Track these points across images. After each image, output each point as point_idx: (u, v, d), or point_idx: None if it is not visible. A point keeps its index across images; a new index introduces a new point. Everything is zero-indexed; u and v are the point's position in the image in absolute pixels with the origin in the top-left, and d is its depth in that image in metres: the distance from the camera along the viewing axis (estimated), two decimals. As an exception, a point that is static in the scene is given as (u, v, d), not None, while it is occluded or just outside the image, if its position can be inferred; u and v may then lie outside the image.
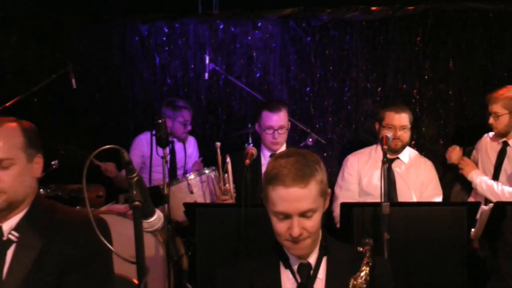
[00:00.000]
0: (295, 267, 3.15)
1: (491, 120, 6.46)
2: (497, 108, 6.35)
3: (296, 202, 2.98)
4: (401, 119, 6.36)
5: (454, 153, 6.83)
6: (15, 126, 3.29)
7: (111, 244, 3.06)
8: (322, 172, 3.09)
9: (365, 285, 2.97)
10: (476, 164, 6.78)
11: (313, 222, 3.04)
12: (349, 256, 3.21)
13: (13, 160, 3.20)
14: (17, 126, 3.30)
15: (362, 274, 2.96)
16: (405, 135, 6.41)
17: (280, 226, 3.03)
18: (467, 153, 7.04)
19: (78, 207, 6.81)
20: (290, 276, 3.15)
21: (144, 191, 2.76)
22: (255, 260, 3.30)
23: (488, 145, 6.72)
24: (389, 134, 6.13)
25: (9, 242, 3.21)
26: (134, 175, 2.73)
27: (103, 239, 2.73)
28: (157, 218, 2.87)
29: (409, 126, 6.43)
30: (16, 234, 3.23)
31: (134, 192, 2.71)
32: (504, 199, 5.98)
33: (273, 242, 3.22)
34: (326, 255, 3.18)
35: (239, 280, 3.22)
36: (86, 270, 3.25)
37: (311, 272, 3.04)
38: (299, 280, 3.12)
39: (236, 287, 3.21)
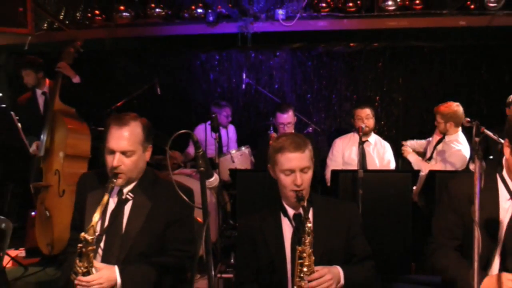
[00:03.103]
0: (291, 216, 3.14)
1: (436, 123, 6.41)
2: (438, 117, 6.33)
3: (298, 161, 3.01)
4: (366, 112, 6.38)
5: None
6: (138, 124, 3.18)
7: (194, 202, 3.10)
8: (310, 145, 3.12)
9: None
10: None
11: (309, 176, 3.07)
12: (329, 205, 3.22)
13: (134, 152, 3.14)
14: (140, 124, 3.19)
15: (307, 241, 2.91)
16: (370, 122, 6.40)
17: (287, 180, 3.03)
18: None
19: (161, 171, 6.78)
20: (288, 222, 3.14)
21: (206, 160, 2.76)
22: (264, 211, 3.27)
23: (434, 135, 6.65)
24: (363, 125, 6.19)
25: (127, 200, 3.21)
26: (200, 150, 2.72)
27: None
28: (214, 179, 2.91)
29: (371, 115, 6.42)
30: (131, 195, 3.22)
31: (200, 161, 2.70)
32: (425, 170, 6.07)
33: (276, 199, 3.22)
34: (312, 207, 3.15)
35: (252, 226, 3.21)
36: (182, 222, 3.26)
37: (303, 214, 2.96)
38: (294, 225, 3.11)
39: (251, 231, 3.20)
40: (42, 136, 5.96)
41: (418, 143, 6.89)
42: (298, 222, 3.07)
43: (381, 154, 6.52)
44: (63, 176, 5.73)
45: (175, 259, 3.20)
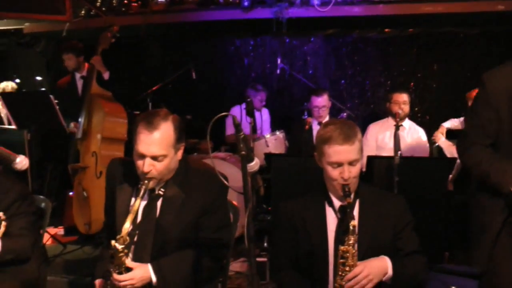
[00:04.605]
0: (336, 207, 2.91)
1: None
2: (470, 103, 6.04)
3: (347, 154, 2.77)
4: (403, 97, 6.19)
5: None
6: (169, 126, 2.87)
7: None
8: (359, 133, 2.86)
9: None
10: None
11: (357, 169, 2.83)
12: (377, 198, 2.98)
13: (166, 155, 2.85)
14: (171, 125, 2.88)
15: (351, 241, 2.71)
16: (406, 108, 6.21)
17: (334, 173, 2.80)
18: None
19: (195, 153, 6.71)
20: (333, 213, 2.91)
21: (247, 144, 2.55)
22: (307, 198, 3.04)
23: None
24: (400, 111, 6.03)
25: (158, 196, 2.98)
26: (241, 133, 2.52)
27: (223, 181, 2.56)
28: (255, 163, 2.65)
29: (408, 101, 6.24)
30: (163, 190, 2.99)
31: (241, 145, 2.51)
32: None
33: (320, 187, 2.99)
34: (358, 199, 2.93)
35: (293, 212, 3.00)
36: (215, 211, 3.04)
37: (348, 211, 2.75)
38: (339, 217, 2.89)
39: (292, 218, 2.99)
40: (80, 119, 6.00)
41: (455, 122, 6.70)
42: (344, 214, 2.86)
43: (415, 139, 6.33)
44: (100, 158, 5.74)
45: (209, 248, 3.02)
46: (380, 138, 6.37)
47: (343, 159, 2.78)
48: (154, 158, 2.84)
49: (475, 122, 3.05)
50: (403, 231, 2.94)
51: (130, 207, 2.95)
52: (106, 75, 6.20)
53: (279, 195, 5.44)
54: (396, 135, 5.43)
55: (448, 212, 5.39)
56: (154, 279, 2.88)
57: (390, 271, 2.80)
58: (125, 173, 3.08)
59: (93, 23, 7.77)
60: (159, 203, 3.00)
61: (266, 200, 6.48)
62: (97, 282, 3.06)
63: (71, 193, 6.30)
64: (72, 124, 6.32)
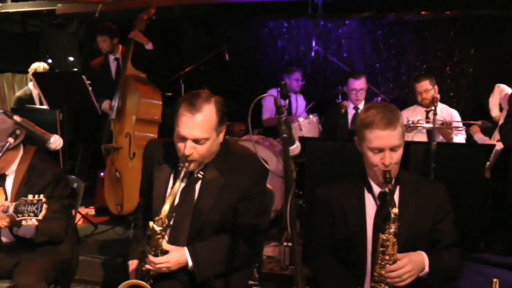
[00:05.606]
0: (376, 194, 2.82)
1: None
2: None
3: (388, 140, 2.66)
4: (422, 86, 6.03)
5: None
6: (212, 108, 2.78)
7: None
8: (401, 118, 2.75)
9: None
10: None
11: (398, 155, 2.72)
12: (417, 184, 2.87)
13: (208, 138, 2.77)
14: (213, 107, 2.78)
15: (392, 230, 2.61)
16: (428, 95, 5.99)
17: (375, 158, 2.70)
18: None
19: (227, 136, 6.65)
20: (372, 200, 2.83)
21: (289, 126, 2.44)
22: (345, 184, 2.95)
23: None
24: (426, 100, 5.97)
25: (197, 179, 2.90)
26: (283, 115, 2.40)
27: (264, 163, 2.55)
28: (296, 146, 2.54)
29: (429, 88, 6.00)
30: (202, 173, 2.90)
31: (283, 128, 2.39)
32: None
33: (360, 172, 2.90)
34: (399, 185, 2.82)
35: (332, 198, 2.91)
36: (254, 196, 2.96)
37: (389, 198, 2.65)
38: (378, 203, 2.81)
39: (330, 203, 2.91)
40: (113, 100, 5.98)
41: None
42: (383, 201, 2.77)
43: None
44: (134, 139, 5.71)
45: (247, 234, 2.96)
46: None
47: (385, 145, 2.69)
48: (196, 141, 2.77)
49: None
50: (442, 221, 2.86)
51: (169, 189, 2.90)
52: (149, 46, 6.13)
53: (312, 180, 5.35)
54: (433, 121, 5.29)
55: (485, 200, 5.27)
56: (190, 263, 2.83)
57: (427, 268, 2.72)
58: (163, 154, 3.03)
59: (126, 4, 7.70)
60: (197, 186, 2.92)
61: (298, 184, 6.40)
62: (132, 262, 3.03)
63: (102, 174, 6.29)
64: (105, 103, 6.33)
